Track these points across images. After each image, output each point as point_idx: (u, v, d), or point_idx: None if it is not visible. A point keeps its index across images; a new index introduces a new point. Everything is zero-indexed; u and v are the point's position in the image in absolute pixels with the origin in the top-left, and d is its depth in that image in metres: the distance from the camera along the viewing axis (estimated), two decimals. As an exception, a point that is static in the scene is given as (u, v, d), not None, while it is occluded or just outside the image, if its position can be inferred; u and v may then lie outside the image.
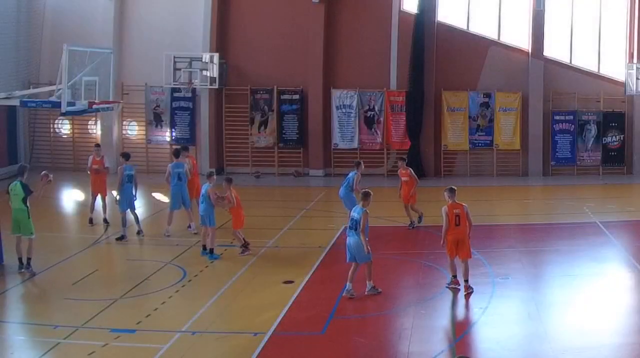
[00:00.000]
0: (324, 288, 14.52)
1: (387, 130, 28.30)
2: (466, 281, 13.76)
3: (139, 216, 18.48)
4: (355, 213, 13.57)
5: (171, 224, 18.20)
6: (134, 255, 17.09)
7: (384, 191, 25.93)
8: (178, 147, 20.97)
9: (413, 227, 19.44)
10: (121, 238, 17.59)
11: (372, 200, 13.74)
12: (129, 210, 17.96)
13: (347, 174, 18.72)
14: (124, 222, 17.71)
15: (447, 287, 14.07)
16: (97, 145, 20.68)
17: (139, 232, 18.03)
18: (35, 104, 17.14)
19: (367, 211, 13.49)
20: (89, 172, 19.69)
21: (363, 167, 18.83)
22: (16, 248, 14.95)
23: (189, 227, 18.40)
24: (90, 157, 19.65)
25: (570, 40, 28.68)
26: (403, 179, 19.43)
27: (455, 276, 14.04)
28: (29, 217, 14.85)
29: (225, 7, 28.30)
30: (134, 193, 17.87)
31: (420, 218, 19.70)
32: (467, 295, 13.57)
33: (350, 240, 13.54)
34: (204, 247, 16.34)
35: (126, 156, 18.45)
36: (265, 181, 27.62)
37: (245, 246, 16.36)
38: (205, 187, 16.36)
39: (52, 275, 15.04)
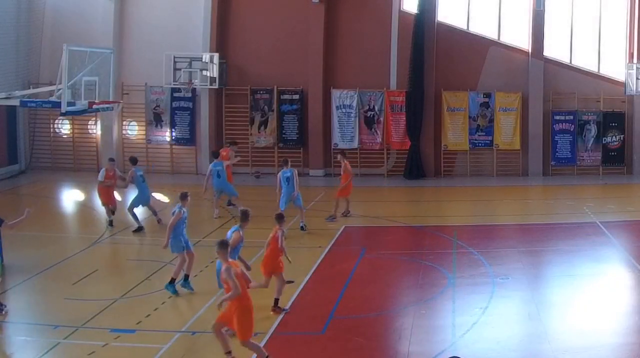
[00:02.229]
0: (324, 288, 14.53)
1: (387, 130, 28.29)
2: None
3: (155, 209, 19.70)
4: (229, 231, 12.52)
5: (219, 208, 20.66)
6: (134, 255, 17.11)
7: (384, 191, 26.05)
8: (216, 149, 23.22)
9: (333, 220, 19.92)
10: (139, 229, 18.68)
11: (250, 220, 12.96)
12: (141, 206, 19.14)
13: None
14: (136, 217, 18.79)
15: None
16: (112, 160, 20.25)
17: (159, 221, 19.21)
18: (35, 104, 17.14)
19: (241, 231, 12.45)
20: (98, 184, 19.32)
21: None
22: None
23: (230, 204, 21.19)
24: (103, 171, 19.25)
25: (570, 40, 28.68)
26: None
27: None
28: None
29: (225, 7, 28.29)
30: (149, 190, 19.44)
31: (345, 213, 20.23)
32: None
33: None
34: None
35: (134, 161, 19.61)
36: (265, 181, 27.60)
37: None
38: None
39: (52, 275, 15.04)
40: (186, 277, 14.12)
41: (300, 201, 18.86)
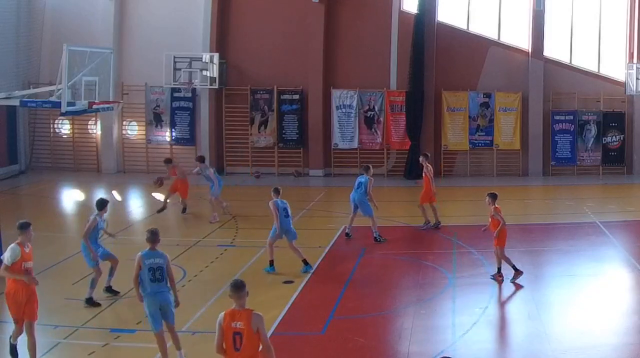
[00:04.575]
0: (324, 288, 14.52)
1: (387, 130, 28.30)
2: None
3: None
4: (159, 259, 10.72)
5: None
6: (134, 255, 17.03)
7: (384, 191, 25.99)
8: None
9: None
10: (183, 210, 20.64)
11: None
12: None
13: (358, 178, 18.26)
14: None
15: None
16: (169, 160, 21.24)
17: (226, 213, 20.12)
18: (35, 104, 17.12)
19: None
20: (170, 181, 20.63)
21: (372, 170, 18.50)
22: None
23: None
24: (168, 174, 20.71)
25: (570, 40, 28.70)
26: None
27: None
28: None
29: (225, 7, 28.29)
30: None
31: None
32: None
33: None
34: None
35: (202, 159, 20.73)
36: (265, 181, 27.59)
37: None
38: None
39: (52, 275, 15.03)
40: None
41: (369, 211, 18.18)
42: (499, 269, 14.69)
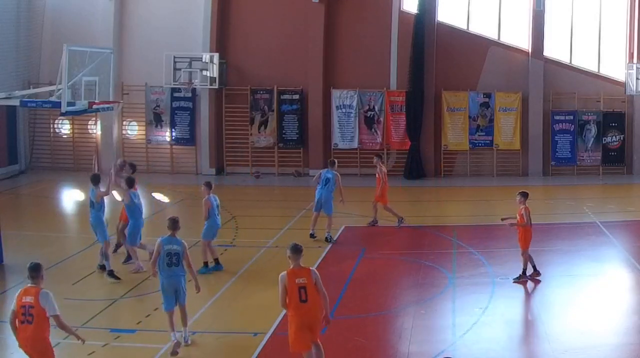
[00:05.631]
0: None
1: (387, 130, 28.30)
2: None
3: None
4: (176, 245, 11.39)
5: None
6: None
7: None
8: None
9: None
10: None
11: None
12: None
13: (324, 174, 18.16)
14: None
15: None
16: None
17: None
18: (35, 104, 17.11)
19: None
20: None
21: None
22: None
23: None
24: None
25: (570, 40, 28.68)
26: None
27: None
28: None
29: (225, 7, 28.28)
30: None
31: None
32: None
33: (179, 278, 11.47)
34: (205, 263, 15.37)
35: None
36: (265, 181, 27.61)
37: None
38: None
39: (52, 275, 15.01)
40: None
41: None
42: (534, 268, 14.68)
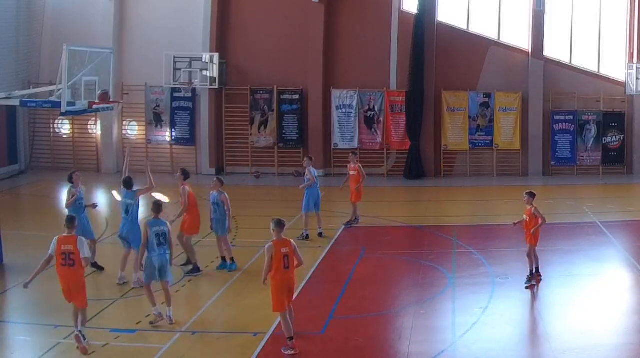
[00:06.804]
0: (324, 288, 14.53)
1: (387, 130, 28.30)
2: None
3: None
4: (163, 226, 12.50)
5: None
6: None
7: (384, 191, 26.02)
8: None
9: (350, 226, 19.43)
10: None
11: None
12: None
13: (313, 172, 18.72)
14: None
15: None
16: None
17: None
18: (35, 104, 17.10)
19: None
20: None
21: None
22: None
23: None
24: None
25: (570, 40, 28.69)
26: (351, 173, 19.51)
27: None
28: None
29: (225, 7, 28.29)
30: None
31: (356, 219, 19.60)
32: None
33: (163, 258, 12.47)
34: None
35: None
36: (265, 181, 27.61)
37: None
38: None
39: (52, 275, 15.00)
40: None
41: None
42: (537, 269, 14.65)
